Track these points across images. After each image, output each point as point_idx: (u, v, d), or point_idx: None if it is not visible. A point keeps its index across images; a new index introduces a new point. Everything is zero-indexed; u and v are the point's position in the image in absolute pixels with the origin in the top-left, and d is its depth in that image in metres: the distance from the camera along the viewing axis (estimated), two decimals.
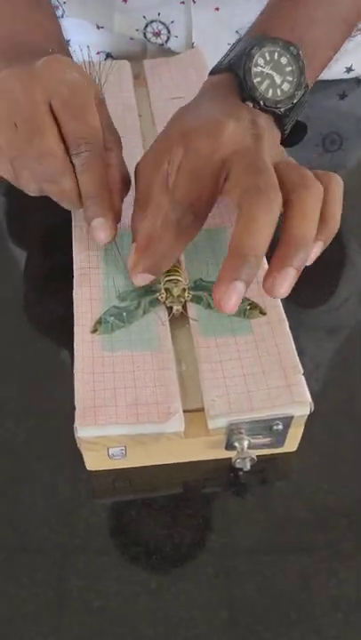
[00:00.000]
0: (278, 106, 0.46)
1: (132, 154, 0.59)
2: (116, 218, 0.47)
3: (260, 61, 0.46)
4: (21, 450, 0.46)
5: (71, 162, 0.46)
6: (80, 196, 0.47)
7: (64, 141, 0.45)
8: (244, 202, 0.39)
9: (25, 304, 0.55)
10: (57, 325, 0.52)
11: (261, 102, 0.45)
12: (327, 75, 0.77)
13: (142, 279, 0.46)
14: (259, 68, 0.46)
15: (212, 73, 0.50)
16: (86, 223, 0.47)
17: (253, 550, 0.41)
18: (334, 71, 0.78)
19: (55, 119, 0.46)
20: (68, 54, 0.57)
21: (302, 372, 0.43)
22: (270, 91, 0.46)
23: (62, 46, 0.58)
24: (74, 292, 0.48)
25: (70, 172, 0.46)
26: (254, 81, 0.46)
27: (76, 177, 0.46)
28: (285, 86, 0.46)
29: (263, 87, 0.46)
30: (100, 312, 0.46)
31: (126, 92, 0.67)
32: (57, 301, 0.53)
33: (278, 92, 0.46)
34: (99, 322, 0.46)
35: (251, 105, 0.46)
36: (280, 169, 0.42)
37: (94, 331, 0.45)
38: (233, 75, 0.47)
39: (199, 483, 0.44)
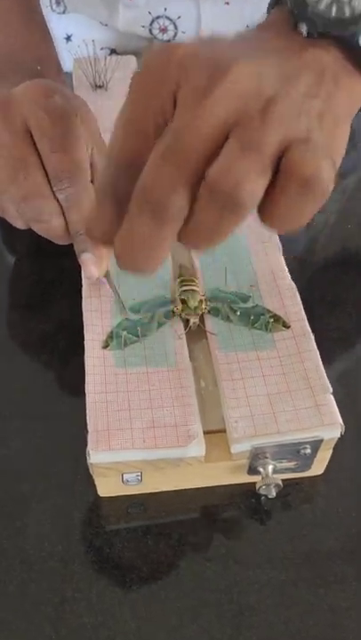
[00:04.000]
0: (348, 28, 0.30)
1: None
2: (108, 251, 0.43)
3: None
4: (29, 473, 0.43)
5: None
6: (69, 232, 0.44)
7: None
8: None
9: (31, 315, 0.52)
10: (67, 335, 0.48)
11: (319, 23, 0.30)
12: None
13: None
14: None
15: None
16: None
17: (279, 584, 0.38)
18: None
19: (37, 150, 0.43)
20: (59, 72, 0.55)
21: (331, 390, 0.40)
22: (334, 7, 0.31)
23: (53, 65, 0.55)
24: (83, 302, 0.45)
25: (57, 211, 0.43)
26: None
27: (64, 213, 0.43)
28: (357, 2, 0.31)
29: (323, 4, 0.31)
30: (112, 325, 0.43)
31: None
32: (65, 311, 0.50)
33: (346, 9, 0.31)
34: (110, 336, 0.42)
35: (305, 32, 0.31)
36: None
37: (106, 346, 0.42)
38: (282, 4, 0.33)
39: (219, 509, 0.41)
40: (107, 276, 0.45)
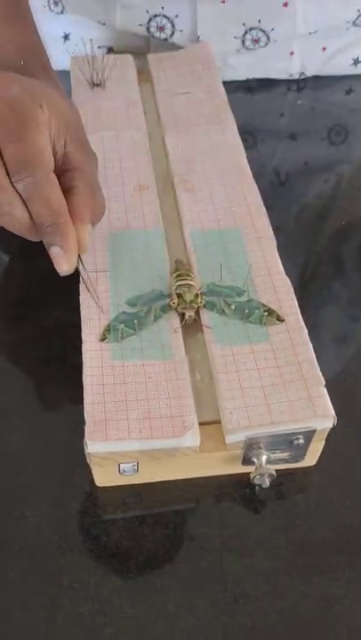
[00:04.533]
0: None
1: (137, 153, 0.57)
2: (78, 246, 0.42)
3: None
4: (27, 463, 0.43)
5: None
6: (34, 224, 0.42)
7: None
8: None
9: (28, 308, 0.52)
10: (64, 331, 0.49)
11: None
12: (335, 69, 0.76)
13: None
14: None
15: None
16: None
17: (273, 572, 0.39)
18: (342, 64, 0.76)
19: None
20: (46, 67, 0.53)
21: (324, 383, 0.40)
22: None
23: (38, 59, 0.53)
24: (80, 297, 0.45)
25: (17, 202, 0.41)
26: None
27: (25, 205, 0.41)
28: None
29: None
30: (109, 319, 0.44)
31: (130, 88, 0.64)
32: (63, 305, 0.51)
33: None
34: (107, 329, 0.43)
35: None
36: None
37: (103, 339, 0.43)
38: None
39: (214, 499, 0.42)
40: (79, 269, 0.44)
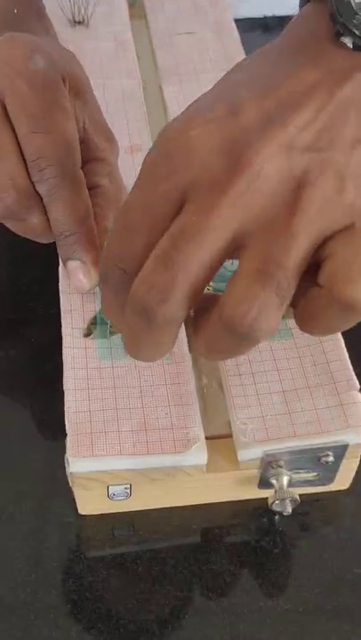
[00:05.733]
0: None
1: (129, 106, 0.58)
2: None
3: None
4: None
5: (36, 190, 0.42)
6: (51, 230, 0.43)
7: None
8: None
9: None
10: (38, 324, 0.50)
11: None
12: None
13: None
14: None
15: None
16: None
17: (294, 617, 0.40)
18: None
19: (13, 129, 0.42)
20: (41, 14, 0.53)
21: (359, 387, 0.42)
22: None
23: (33, 5, 0.53)
24: (60, 283, 0.47)
25: (38, 207, 0.42)
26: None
27: (44, 208, 0.43)
28: None
29: None
30: (95, 309, 0.45)
31: (120, 26, 0.66)
32: (37, 296, 0.52)
33: None
34: (93, 322, 0.44)
35: (350, 45, 0.31)
36: None
37: (88, 334, 0.44)
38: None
39: (224, 531, 0.43)
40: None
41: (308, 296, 0.31)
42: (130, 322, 0.32)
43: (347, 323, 0.31)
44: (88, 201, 0.43)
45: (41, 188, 0.42)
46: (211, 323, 0.31)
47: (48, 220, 0.43)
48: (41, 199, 0.42)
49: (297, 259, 0.29)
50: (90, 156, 0.45)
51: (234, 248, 0.30)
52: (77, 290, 0.44)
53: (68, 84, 0.44)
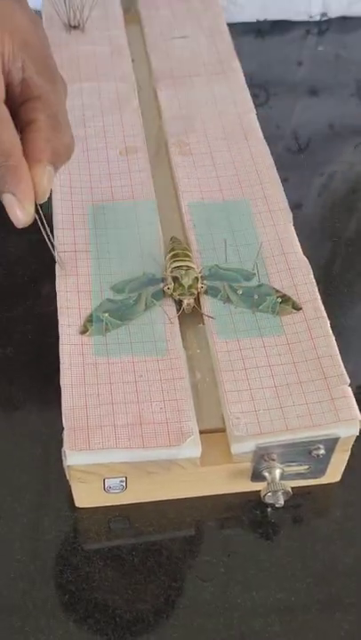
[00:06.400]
0: None
1: (124, 109, 0.59)
2: (35, 193, 0.43)
3: None
4: None
5: None
6: None
7: None
8: None
9: None
10: (35, 322, 0.51)
11: None
12: None
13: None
14: None
15: None
16: None
17: (288, 607, 0.41)
18: None
19: None
20: None
21: (349, 382, 0.42)
22: None
23: None
24: (56, 282, 0.47)
25: None
26: None
27: None
28: None
29: None
30: (91, 307, 0.46)
31: (115, 31, 0.67)
32: (34, 291, 0.53)
33: None
34: (89, 320, 0.45)
35: None
36: None
37: (84, 331, 0.45)
38: None
39: (218, 523, 0.44)
40: (38, 218, 0.45)
41: None
42: None
43: None
44: (13, 136, 0.43)
45: None
46: None
47: None
48: None
49: None
50: (29, 95, 0.45)
51: None
52: (15, 223, 0.43)
53: (8, 34, 0.45)
